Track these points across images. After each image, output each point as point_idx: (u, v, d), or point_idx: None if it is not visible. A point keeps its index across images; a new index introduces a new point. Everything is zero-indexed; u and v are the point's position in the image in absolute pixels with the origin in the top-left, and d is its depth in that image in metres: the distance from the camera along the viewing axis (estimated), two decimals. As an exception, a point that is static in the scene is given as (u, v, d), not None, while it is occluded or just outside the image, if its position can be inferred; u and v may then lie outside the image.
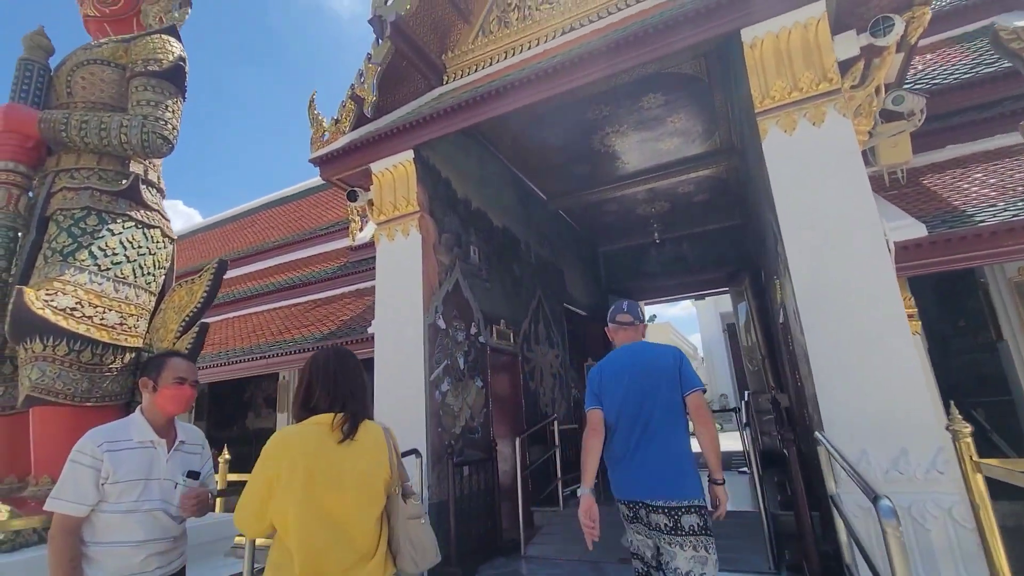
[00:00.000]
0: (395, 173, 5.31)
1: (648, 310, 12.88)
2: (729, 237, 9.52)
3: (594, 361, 9.53)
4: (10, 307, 2.90)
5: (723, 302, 17.32)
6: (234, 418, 10.86)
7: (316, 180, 13.41)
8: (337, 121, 5.73)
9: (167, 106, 3.39)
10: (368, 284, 7.75)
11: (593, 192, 8.26)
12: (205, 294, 3.56)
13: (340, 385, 1.46)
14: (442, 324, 5.00)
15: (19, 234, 3.39)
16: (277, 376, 9.07)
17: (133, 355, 3.40)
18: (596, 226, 9.84)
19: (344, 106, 5.70)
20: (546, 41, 5.50)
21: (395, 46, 5.44)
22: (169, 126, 3.36)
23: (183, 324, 3.52)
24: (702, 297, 15.00)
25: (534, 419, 6.38)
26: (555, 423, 6.29)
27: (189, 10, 4.25)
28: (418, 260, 4.96)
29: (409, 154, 5.25)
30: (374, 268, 8.18)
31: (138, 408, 1.88)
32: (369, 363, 5.56)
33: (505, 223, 6.82)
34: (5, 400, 3.39)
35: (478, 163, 6.49)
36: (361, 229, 9.49)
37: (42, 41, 3.43)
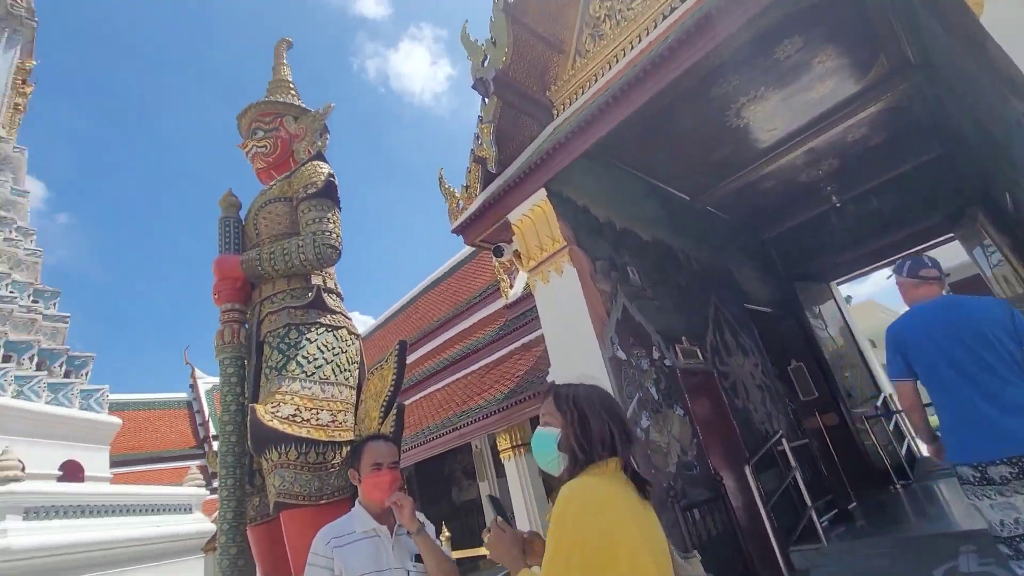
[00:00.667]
0: (533, 216, 5.21)
1: (842, 291, 10.89)
2: (932, 173, 7.71)
3: (798, 362, 8.24)
4: (248, 425, 3.30)
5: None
6: (439, 495, 11.37)
7: (461, 255, 14.40)
8: (467, 187, 5.90)
9: (328, 219, 3.72)
10: (533, 335, 7.69)
11: (741, 175, 7.36)
12: (395, 376, 3.64)
13: (615, 423, 1.20)
14: (622, 355, 4.57)
15: (245, 361, 3.79)
16: (471, 447, 9.29)
17: (347, 448, 3.52)
18: (755, 211, 8.72)
19: (469, 171, 5.87)
20: (648, 34, 5.13)
21: (501, 100, 5.51)
22: (334, 235, 3.66)
23: (382, 409, 3.62)
24: (910, 259, 12.30)
25: (753, 441, 5.47)
26: (783, 441, 5.30)
27: (328, 136, 4.78)
28: (579, 294, 4.67)
29: (541, 193, 5.13)
30: (535, 319, 8.36)
31: (356, 500, 1.86)
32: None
33: (655, 235, 6.30)
34: (261, 509, 3.69)
35: (611, 183, 6.17)
36: (511, 285, 9.64)
37: (233, 200, 3.99)
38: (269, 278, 3.64)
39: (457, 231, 6.04)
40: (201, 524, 9.00)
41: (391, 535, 1.81)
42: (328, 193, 3.81)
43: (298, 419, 3.26)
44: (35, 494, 6.39)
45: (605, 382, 4.24)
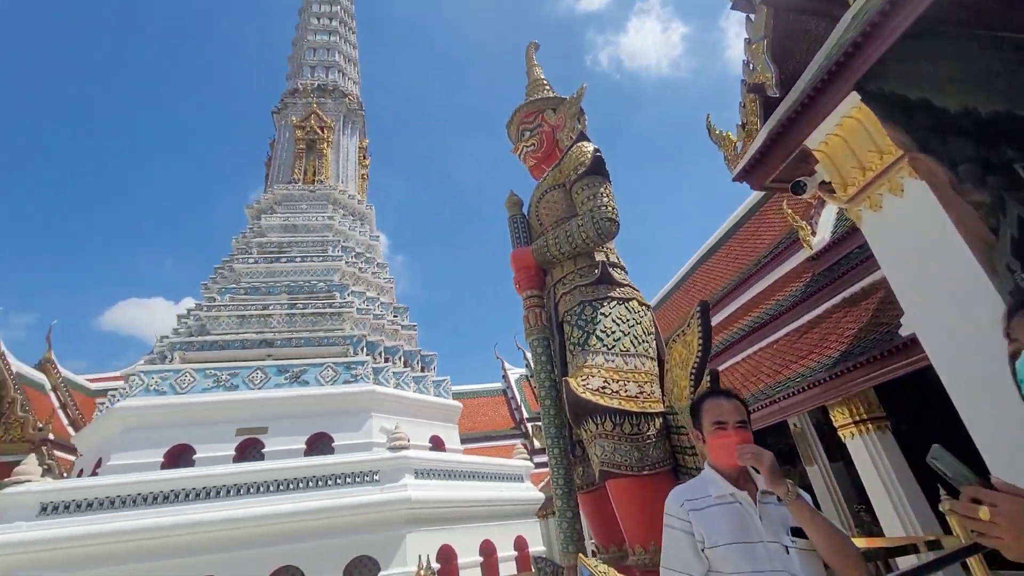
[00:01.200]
0: (844, 132, 4.13)
1: None
2: None
3: None
4: (565, 397, 3.48)
5: None
6: None
7: (733, 219, 13.01)
8: (743, 125, 5.11)
9: (602, 194, 3.77)
10: (859, 286, 6.21)
11: None
12: (701, 340, 3.34)
13: None
14: (1033, 286, 3.16)
15: (550, 341, 4.05)
16: (786, 426, 8.10)
17: (660, 420, 3.32)
18: None
19: (743, 106, 5.06)
20: None
21: (771, 7, 4.58)
22: (609, 209, 3.68)
23: (692, 377, 3.38)
24: None
25: None
26: None
27: (585, 117, 4.81)
28: (936, 213, 3.46)
29: (852, 99, 4.02)
30: (854, 267, 6.79)
31: (705, 463, 1.61)
32: (918, 377, 4.50)
33: (1052, 114, 4.26)
34: (586, 478, 3.75)
35: (962, 60, 4.46)
36: (814, 232, 8.08)
37: (515, 199, 4.32)
38: (557, 261, 3.82)
39: (740, 177, 5.27)
40: (532, 492, 10.34)
41: (754, 503, 1.48)
42: (596, 169, 3.85)
43: (607, 391, 3.32)
44: (420, 459, 8.33)
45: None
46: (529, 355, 3.89)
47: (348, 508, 7.42)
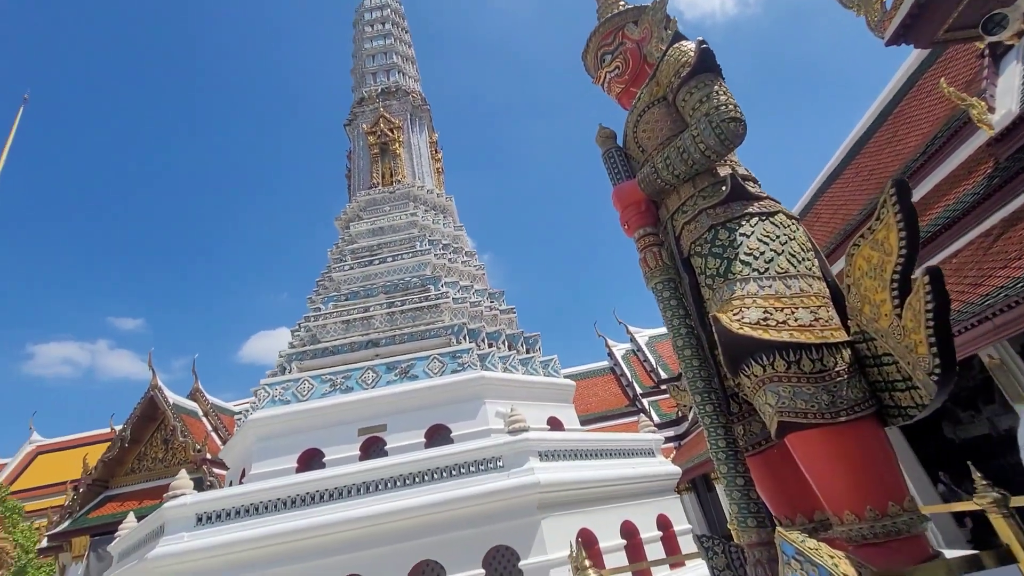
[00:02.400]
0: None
1: None
2: None
3: None
4: (717, 338, 2.71)
5: None
6: (921, 431, 8.56)
7: (853, 137, 11.04)
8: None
9: (716, 92, 3.06)
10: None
11: None
12: (903, 233, 2.30)
13: None
14: None
15: (676, 283, 3.26)
16: (973, 361, 6.50)
17: (849, 351, 2.55)
18: None
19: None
20: None
21: None
22: (730, 106, 2.98)
23: (894, 288, 2.37)
24: None
25: None
26: None
27: (675, 21, 4.00)
28: None
29: None
30: None
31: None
32: None
33: None
34: (749, 439, 3.05)
35: None
36: (991, 108, 6.38)
37: (607, 132, 3.68)
38: (671, 188, 3.26)
39: (897, 37, 4.09)
40: (667, 466, 9.44)
41: None
42: (705, 66, 3.15)
43: (771, 322, 2.64)
44: (543, 440, 7.80)
45: None
46: (660, 304, 3.28)
47: (476, 497, 7.06)
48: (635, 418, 19.54)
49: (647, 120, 3.64)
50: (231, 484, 10.60)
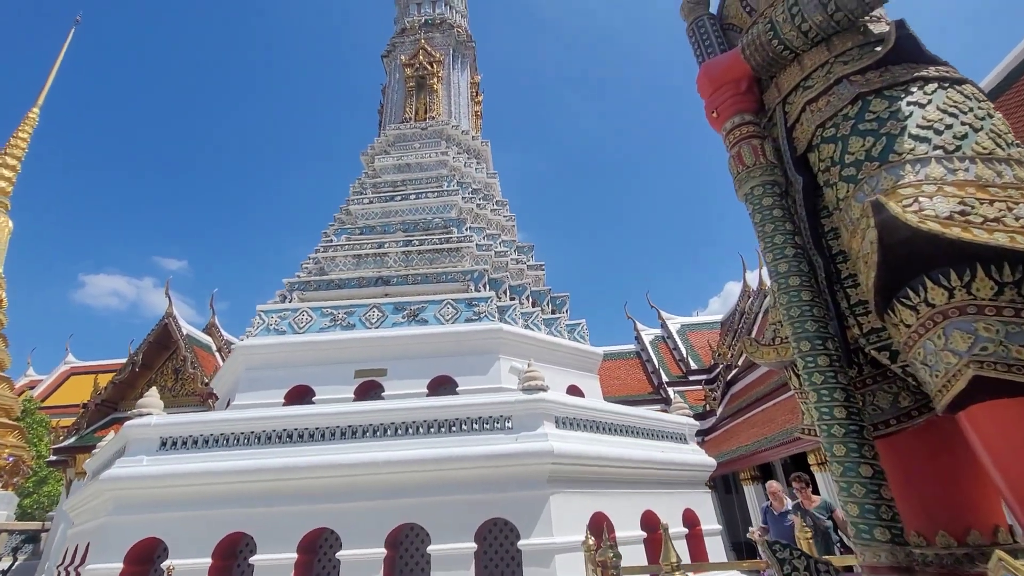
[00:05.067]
0: None
1: None
2: None
3: None
4: (869, 237, 1.75)
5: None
6: None
7: None
8: None
9: None
10: None
11: None
12: None
13: None
14: None
15: (784, 188, 2.34)
16: None
17: None
18: None
19: None
20: None
21: None
22: None
23: None
24: None
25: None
26: None
27: None
28: None
29: None
30: None
31: None
32: None
33: None
34: (878, 413, 2.11)
35: None
36: None
37: None
38: (792, 54, 2.32)
39: None
40: (700, 456, 8.16)
41: None
42: None
43: (973, 218, 1.63)
44: (561, 404, 6.61)
45: None
46: (755, 216, 2.35)
47: (477, 459, 5.95)
48: (658, 406, 18.22)
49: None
50: (220, 416, 9.83)
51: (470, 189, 12.42)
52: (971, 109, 1.94)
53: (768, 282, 3.24)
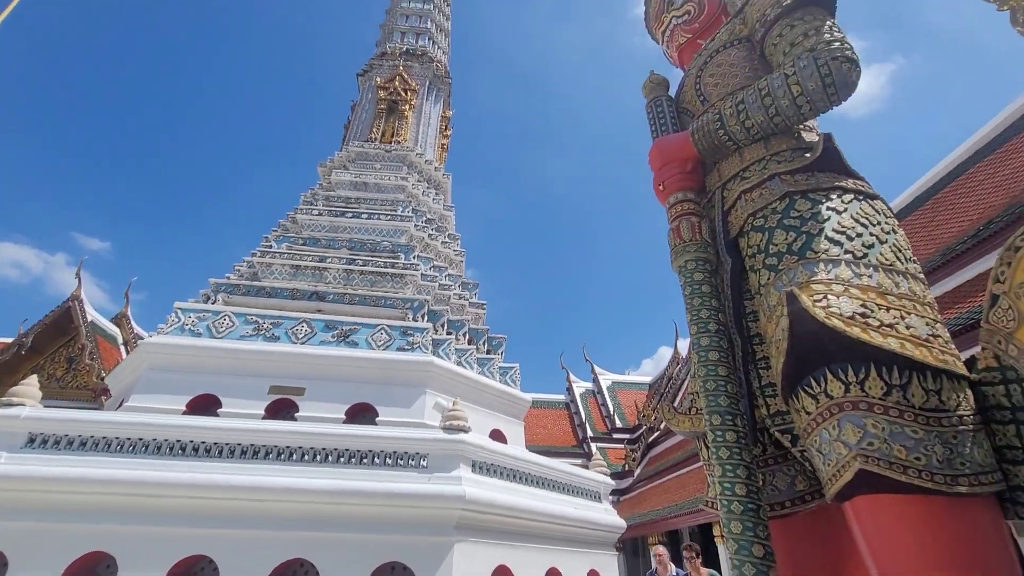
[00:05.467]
0: None
1: None
2: None
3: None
4: (782, 325, 1.89)
5: None
6: None
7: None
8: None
9: (827, 26, 2.34)
10: None
11: None
12: None
13: None
14: None
15: (714, 266, 2.49)
16: None
17: (971, 393, 1.76)
18: None
19: None
20: None
21: None
22: (845, 45, 2.22)
23: None
24: None
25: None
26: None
27: None
28: None
29: None
30: None
31: None
32: None
33: None
34: (786, 491, 2.20)
35: None
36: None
37: (658, 79, 3.05)
38: (734, 145, 2.50)
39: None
40: (612, 516, 8.15)
41: None
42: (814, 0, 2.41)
43: (872, 321, 1.80)
44: (481, 448, 6.46)
45: None
46: (686, 289, 2.48)
47: (387, 496, 5.65)
48: (580, 461, 18.23)
49: (719, 62, 2.79)
50: (107, 416, 8.87)
51: (424, 218, 12.37)
52: (879, 223, 2.15)
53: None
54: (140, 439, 5.82)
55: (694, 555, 5.70)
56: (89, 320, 18.73)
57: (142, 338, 21.80)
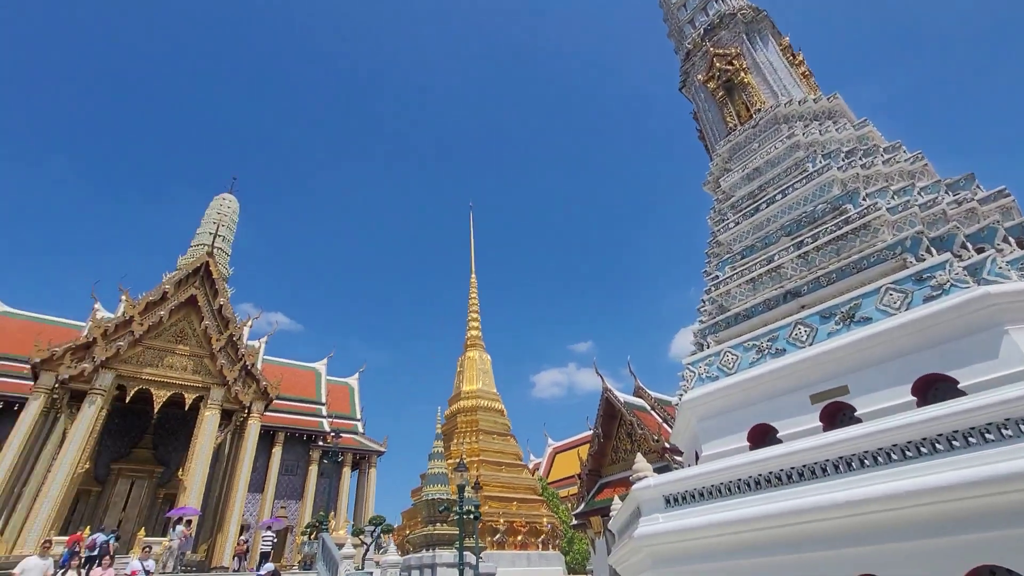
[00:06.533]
0: None
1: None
2: None
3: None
4: None
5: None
6: None
7: None
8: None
9: None
10: None
11: None
12: None
13: None
14: None
15: None
16: None
17: None
18: None
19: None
20: None
21: None
22: None
23: None
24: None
25: None
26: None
27: None
28: None
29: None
30: None
31: None
32: None
33: None
34: None
35: None
36: None
37: None
38: None
39: None
40: None
41: None
42: None
43: None
44: None
45: None
46: None
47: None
48: None
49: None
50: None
51: (842, 154, 10.48)
52: None
53: None
54: (731, 480, 6.52)
55: None
56: (623, 401, 23.39)
57: (662, 399, 25.50)
